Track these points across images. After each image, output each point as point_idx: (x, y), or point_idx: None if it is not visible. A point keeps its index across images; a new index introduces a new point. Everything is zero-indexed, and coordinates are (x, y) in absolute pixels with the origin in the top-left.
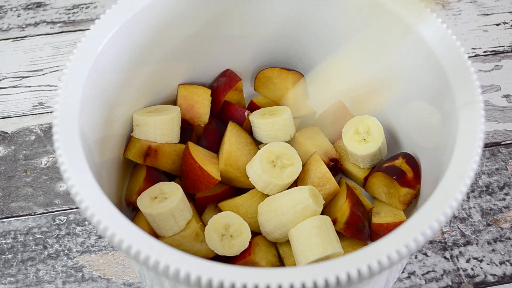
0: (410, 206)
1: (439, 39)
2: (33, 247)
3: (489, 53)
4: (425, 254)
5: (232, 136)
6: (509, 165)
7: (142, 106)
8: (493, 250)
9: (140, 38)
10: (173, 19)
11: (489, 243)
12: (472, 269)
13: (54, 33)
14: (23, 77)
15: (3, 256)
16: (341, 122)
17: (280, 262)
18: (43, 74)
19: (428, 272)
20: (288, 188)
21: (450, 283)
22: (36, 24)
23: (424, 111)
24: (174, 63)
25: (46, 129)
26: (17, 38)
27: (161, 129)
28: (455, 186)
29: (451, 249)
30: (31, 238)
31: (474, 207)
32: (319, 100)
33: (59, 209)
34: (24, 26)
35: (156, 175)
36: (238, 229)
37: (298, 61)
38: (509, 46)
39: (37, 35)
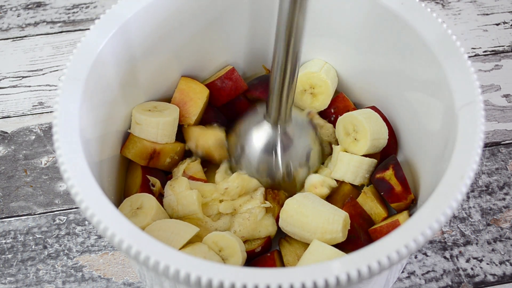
0: (411, 205)
1: (438, 39)
2: (33, 247)
3: (489, 52)
4: (425, 254)
5: None
6: (509, 165)
7: (141, 102)
8: (493, 249)
9: (140, 38)
10: (173, 19)
11: (489, 243)
12: (472, 268)
13: (54, 33)
14: (23, 77)
15: (3, 256)
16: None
17: None
18: (43, 74)
19: (428, 272)
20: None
21: (450, 283)
22: (36, 23)
23: (424, 107)
24: (174, 61)
25: (46, 129)
26: (17, 38)
27: (163, 130)
28: (455, 186)
29: (451, 249)
30: (31, 238)
31: (474, 207)
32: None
33: (59, 209)
34: (24, 25)
35: (153, 175)
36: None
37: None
38: (509, 45)
39: (37, 34)
